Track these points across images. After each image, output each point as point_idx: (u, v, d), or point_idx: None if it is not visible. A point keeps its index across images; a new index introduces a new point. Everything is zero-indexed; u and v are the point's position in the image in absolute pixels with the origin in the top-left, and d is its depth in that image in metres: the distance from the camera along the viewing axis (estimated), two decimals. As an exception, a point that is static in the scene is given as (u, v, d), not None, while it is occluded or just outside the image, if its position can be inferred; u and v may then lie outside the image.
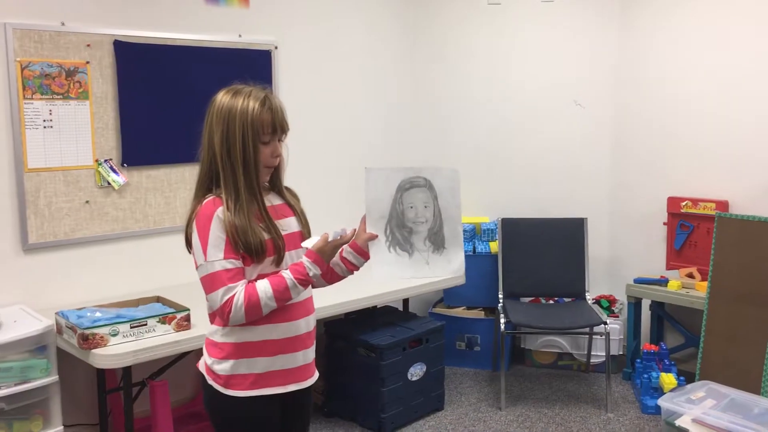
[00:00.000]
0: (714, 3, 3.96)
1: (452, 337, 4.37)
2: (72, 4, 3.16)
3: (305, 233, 2.01)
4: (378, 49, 4.45)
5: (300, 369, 1.96)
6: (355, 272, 2.04)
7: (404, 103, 4.65)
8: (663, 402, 3.18)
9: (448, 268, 2.01)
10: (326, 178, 4.19)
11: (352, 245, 1.98)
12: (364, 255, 1.99)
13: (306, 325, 1.97)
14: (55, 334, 2.78)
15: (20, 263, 3.10)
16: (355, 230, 1.94)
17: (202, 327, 2.77)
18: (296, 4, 3.98)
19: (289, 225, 1.96)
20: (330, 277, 2.04)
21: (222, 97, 1.89)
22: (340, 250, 1.98)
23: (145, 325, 2.73)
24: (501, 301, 4.19)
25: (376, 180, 1.97)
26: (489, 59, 4.59)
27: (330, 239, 1.89)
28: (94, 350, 2.61)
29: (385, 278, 1.96)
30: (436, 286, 3.90)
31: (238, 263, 1.83)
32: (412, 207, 1.98)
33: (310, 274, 1.86)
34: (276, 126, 1.89)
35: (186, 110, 3.50)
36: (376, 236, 1.96)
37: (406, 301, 4.09)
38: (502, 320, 3.92)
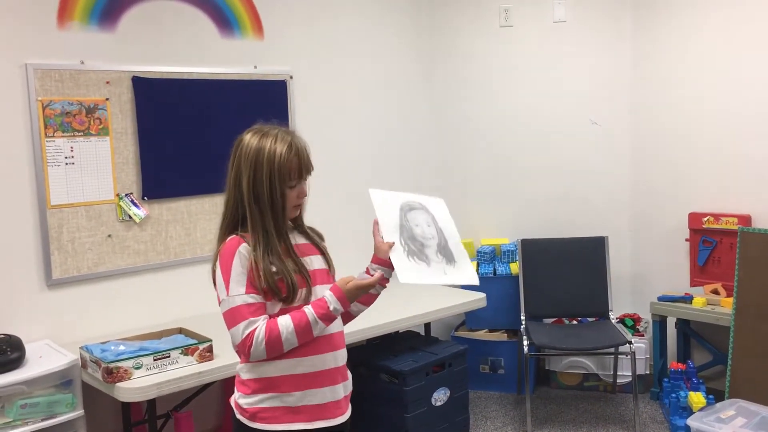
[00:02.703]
0: (731, 16, 3.95)
1: (476, 361, 4.34)
2: (91, 43, 3.24)
3: (330, 271, 2.03)
4: (393, 74, 4.48)
5: (328, 406, 1.94)
6: (386, 285, 2.01)
7: (420, 127, 4.68)
8: (692, 422, 3.14)
9: (465, 276, 2.03)
10: (343, 205, 4.20)
11: (375, 260, 1.98)
12: (389, 265, 1.96)
13: (333, 360, 1.96)
14: (80, 368, 2.81)
15: (45, 299, 3.15)
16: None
17: (225, 358, 2.79)
18: (310, 34, 4.03)
19: (312, 262, 1.97)
20: (366, 298, 2.03)
21: (249, 140, 1.89)
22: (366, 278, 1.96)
23: (168, 357, 2.74)
24: (523, 322, 4.15)
25: (380, 198, 2.01)
26: (504, 80, 4.61)
27: (356, 278, 1.90)
28: (118, 384, 2.63)
29: (412, 281, 1.91)
30: (458, 309, 3.88)
31: (260, 298, 1.85)
32: (417, 225, 2.02)
33: (331, 308, 1.85)
34: (302, 170, 1.91)
35: (204, 142, 3.55)
36: (393, 243, 1.94)
37: (427, 326, 4.07)
38: (525, 342, 3.89)
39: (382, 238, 1.96)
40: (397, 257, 1.94)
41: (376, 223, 1.99)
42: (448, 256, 2.02)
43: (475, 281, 2.03)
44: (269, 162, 1.86)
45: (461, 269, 2.03)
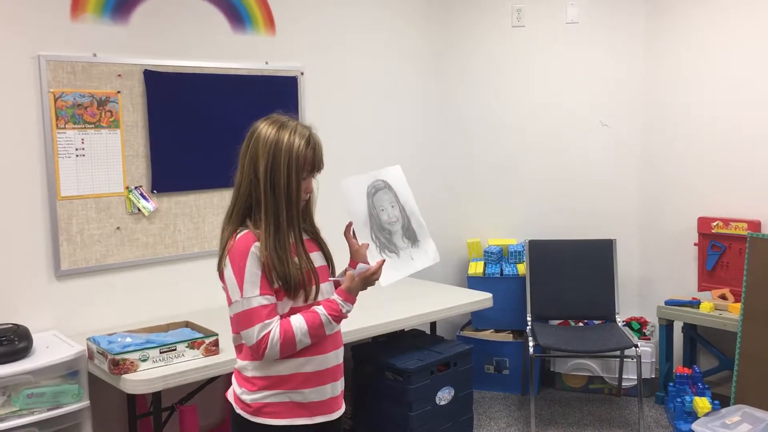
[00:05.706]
0: (745, 20, 3.93)
1: (481, 361, 4.34)
2: (103, 36, 3.25)
3: (330, 268, 2.05)
4: (403, 72, 4.48)
5: (328, 402, 1.97)
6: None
7: (430, 126, 4.68)
8: (697, 427, 3.13)
9: (427, 258, 2.12)
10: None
11: (353, 264, 2.02)
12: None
13: (335, 358, 1.99)
14: (87, 359, 2.82)
15: (53, 289, 3.16)
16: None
17: (231, 352, 2.78)
18: (321, 31, 4.03)
19: (314, 259, 1.98)
20: None
21: (267, 129, 1.90)
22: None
23: (175, 350, 2.75)
24: (529, 323, 4.15)
25: (351, 190, 2.02)
26: (514, 80, 4.60)
27: (356, 274, 1.92)
28: (124, 375, 2.64)
29: (390, 282, 1.98)
30: (464, 309, 3.87)
31: (273, 299, 1.85)
32: (383, 210, 2.05)
33: (343, 311, 1.90)
34: (315, 165, 1.94)
35: (214, 137, 3.56)
36: (368, 245, 1.98)
37: (433, 325, 4.07)
38: (531, 343, 3.89)
39: (354, 237, 2.00)
40: (373, 258, 1.97)
41: (350, 224, 2.02)
42: (411, 237, 2.09)
43: (437, 260, 2.13)
44: (287, 151, 1.87)
45: (424, 249, 2.11)
